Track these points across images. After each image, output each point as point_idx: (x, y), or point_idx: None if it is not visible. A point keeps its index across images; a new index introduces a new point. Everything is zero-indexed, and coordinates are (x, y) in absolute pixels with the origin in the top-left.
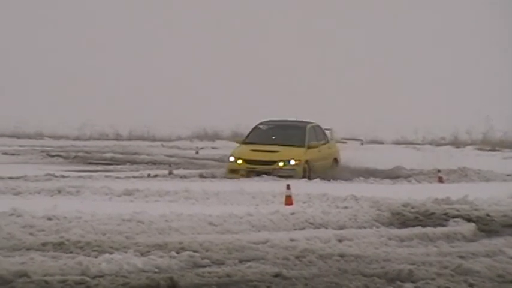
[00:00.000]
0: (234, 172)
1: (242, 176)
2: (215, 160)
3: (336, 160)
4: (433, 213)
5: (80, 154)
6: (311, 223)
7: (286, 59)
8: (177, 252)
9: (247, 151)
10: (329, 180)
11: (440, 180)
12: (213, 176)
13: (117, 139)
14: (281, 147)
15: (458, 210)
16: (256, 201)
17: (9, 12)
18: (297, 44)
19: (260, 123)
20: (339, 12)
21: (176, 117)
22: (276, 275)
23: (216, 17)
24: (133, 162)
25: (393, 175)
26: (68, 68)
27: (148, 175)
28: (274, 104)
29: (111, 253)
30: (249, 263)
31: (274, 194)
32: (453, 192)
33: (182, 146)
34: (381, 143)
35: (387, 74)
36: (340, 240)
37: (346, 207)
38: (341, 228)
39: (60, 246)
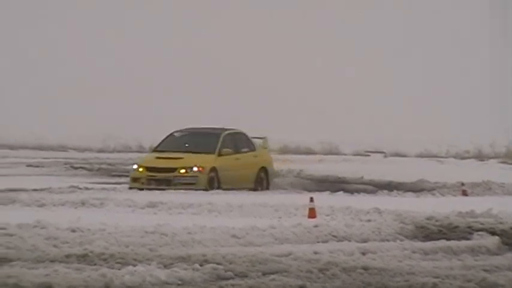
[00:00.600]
0: (135, 181)
1: (142, 184)
2: None
3: (264, 169)
4: (457, 227)
5: (103, 166)
6: (334, 236)
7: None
8: (200, 265)
9: (151, 158)
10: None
11: (464, 193)
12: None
13: (140, 151)
14: (189, 154)
15: (482, 224)
16: (279, 214)
17: (37, 29)
18: (319, 56)
19: (176, 131)
20: (356, 20)
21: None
22: None
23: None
24: None
25: (417, 188)
26: (91, 81)
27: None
28: (294, 117)
29: (134, 265)
30: (272, 276)
31: (297, 207)
32: (477, 205)
33: None
34: (404, 156)
35: (407, 87)
36: (363, 253)
37: (369, 220)
38: (364, 241)
39: (84, 258)
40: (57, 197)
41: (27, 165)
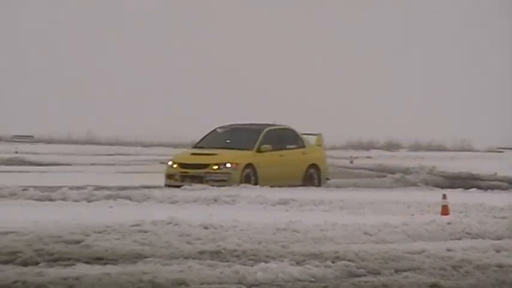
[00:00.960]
0: (170, 177)
1: (176, 180)
2: (369, 169)
3: (315, 166)
4: None
5: None
6: (468, 233)
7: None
8: (333, 262)
9: (186, 155)
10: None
11: None
12: (368, 186)
13: None
14: (225, 150)
15: None
16: (411, 211)
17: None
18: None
19: (219, 127)
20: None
21: (329, 126)
22: (433, 285)
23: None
24: None
25: None
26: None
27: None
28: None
29: (266, 262)
30: (404, 273)
31: (429, 204)
32: None
33: (336, 155)
34: None
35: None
36: (497, 251)
37: (504, 217)
38: (499, 238)
39: (216, 254)
40: (189, 194)
41: (161, 162)
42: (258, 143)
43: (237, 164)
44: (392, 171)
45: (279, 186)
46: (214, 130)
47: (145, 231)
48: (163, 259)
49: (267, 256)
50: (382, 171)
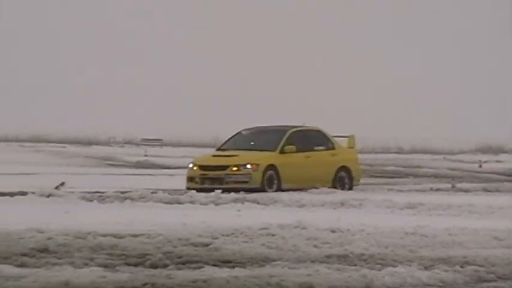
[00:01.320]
0: (191, 180)
1: (197, 183)
2: (499, 174)
3: (346, 168)
4: None
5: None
6: None
7: None
8: (461, 267)
9: (208, 157)
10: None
11: None
12: (498, 190)
13: (399, 152)
14: (246, 151)
15: None
16: None
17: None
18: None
19: (244, 129)
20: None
21: (457, 131)
22: None
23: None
24: (415, 176)
25: None
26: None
27: (431, 189)
28: None
29: (394, 266)
30: None
31: None
32: None
33: (465, 160)
34: None
35: None
36: None
37: None
38: None
39: (344, 258)
40: (316, 197)
41: None
42: (281, 144)
43: (257, 165)
44: None
45: (304, 189)
46: (239, 132)
47: (273, 235)
48: (290, 262)
49: (394, 260)
50: None
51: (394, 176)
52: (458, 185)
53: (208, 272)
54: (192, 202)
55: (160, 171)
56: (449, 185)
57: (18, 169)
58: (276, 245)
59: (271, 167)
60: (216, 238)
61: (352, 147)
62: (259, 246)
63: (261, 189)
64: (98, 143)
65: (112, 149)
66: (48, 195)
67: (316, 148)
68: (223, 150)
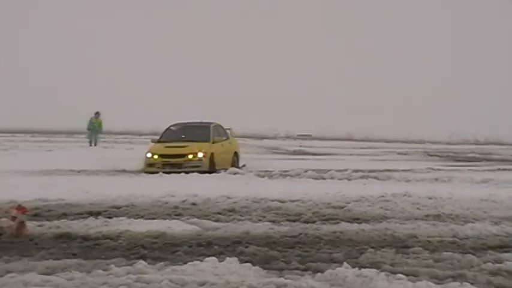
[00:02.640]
0: (151, 166)
1: (158, 168)
2: None
3: (236, 154)
4: None
5: (450, 154)
6: None
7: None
8: None
9: (162, 147)
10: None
11: None
12: None
13: (476, 144)
14: (190, 143)
15: None
16: None
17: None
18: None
19: (171, 125)
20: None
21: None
22: None
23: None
24: (488, 160)
25: None
26: None
27: (498, 169)
28: None
29: (473, 223)
30: None
31: None
32: None
33: None
34: None
35: None
36: None
37: None
38: None
39: (437, 217)
40: (418, 175)
41: (398, 153)
42: (211, 136)
43: (205, 153)
44: None
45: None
46: (168, 128)
47: (388, 201)
48: (400, 220)
49: (473, 218)
50: None
51: (473, 160)
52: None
53: (343, 226)
54: (331, 178)
55: (310, 157)
56: None
57: None
58: (390, 208)
59: (211, 154)
60: (348, 203)
61: (234, 137)
62: (378, 208)
63: (209, 171)
64: (267, 137)
65: (277, 142)
66: (235, 173)
67: (223, 139)
68: (165, 142)
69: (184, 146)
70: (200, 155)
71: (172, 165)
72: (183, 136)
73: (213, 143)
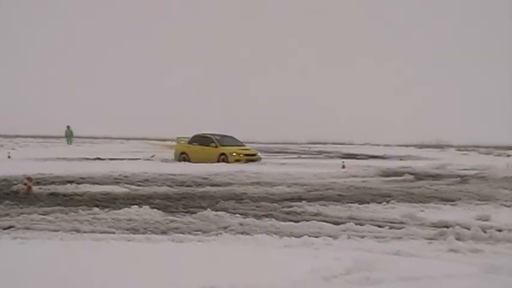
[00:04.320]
0: (237, 160)
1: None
2: None
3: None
4: (396, 171)
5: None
6: (352, 175)
7: None
8: None
9: (237, 149)
10: None
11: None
12: None
13: (296, 143)
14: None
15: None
16: (334, 166)
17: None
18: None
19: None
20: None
21: None
22: (339, 195)
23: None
24: (294, 153)
25: None
26: None
27: (297, 157)
28: None
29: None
30: (329, 190)
31: (338, 164)
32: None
33: None
34: None
35: None
36: (363, 182)
37: (369, 168)
38: (364, 176)
39: (258, 183)
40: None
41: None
42: (216, 142)
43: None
44: None
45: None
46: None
47: (232, 174)
48: (238, 185)
49: (277, 184)
50: None
51: (283, 152)
52: None
53: (208, 188)
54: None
55: None
56: None
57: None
58: (233, 178)
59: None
60: (210, 175)
61: (223, 145)
62: (227, 179)
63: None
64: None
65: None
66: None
67: (210, 144)
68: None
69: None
70: (234, 154)
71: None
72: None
73: (222, 145)
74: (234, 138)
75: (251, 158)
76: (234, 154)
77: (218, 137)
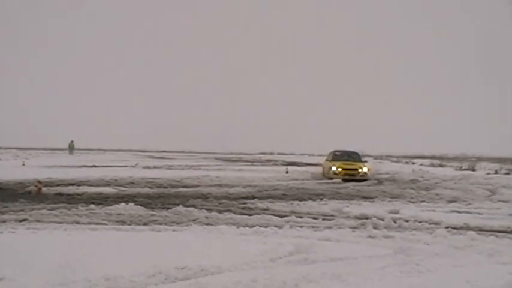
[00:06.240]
0: (335, 174)
1: (337, 176)
2: None
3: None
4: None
5: (231, 159)
6: (294, 178)
7: None
8: None
9: (339, 163)
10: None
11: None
12: None
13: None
14: (353, 162)
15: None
16: (280, 172)
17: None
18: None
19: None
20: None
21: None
22: (283, 194)
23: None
24: (247, 161)
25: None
26: None
27: (251, 164)
28: None
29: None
30: (275, 190)
31: (282, 170)
32: None
33: None
34: None
35: None
36: (302, 183)
37: (306, 172)
38: (302, 179)
39: (220, 185)
40: (212, 167)
41: (204, 158)
42: (362, 158)
43: (368, 169)
44: None
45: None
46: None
47: (199, 178)
48: (204, 187)
49: (235, 185)
50: None
51: (239, 160)
52: None
53: (180, 189)
54: (176, 169)
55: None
56: None
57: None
58: (200, 181)
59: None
60: (183, 179)
61: (366, 160)
62: (196, 181)
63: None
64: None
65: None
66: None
67: (355, 159)
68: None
69: (354, 163)
70: (365, 170)
71: (349, 174)
72: (344, 157)
73: (363, 161)
74: (355, 154)
75: (350, 172)
76: (334, 169)
77: (338, 153)
